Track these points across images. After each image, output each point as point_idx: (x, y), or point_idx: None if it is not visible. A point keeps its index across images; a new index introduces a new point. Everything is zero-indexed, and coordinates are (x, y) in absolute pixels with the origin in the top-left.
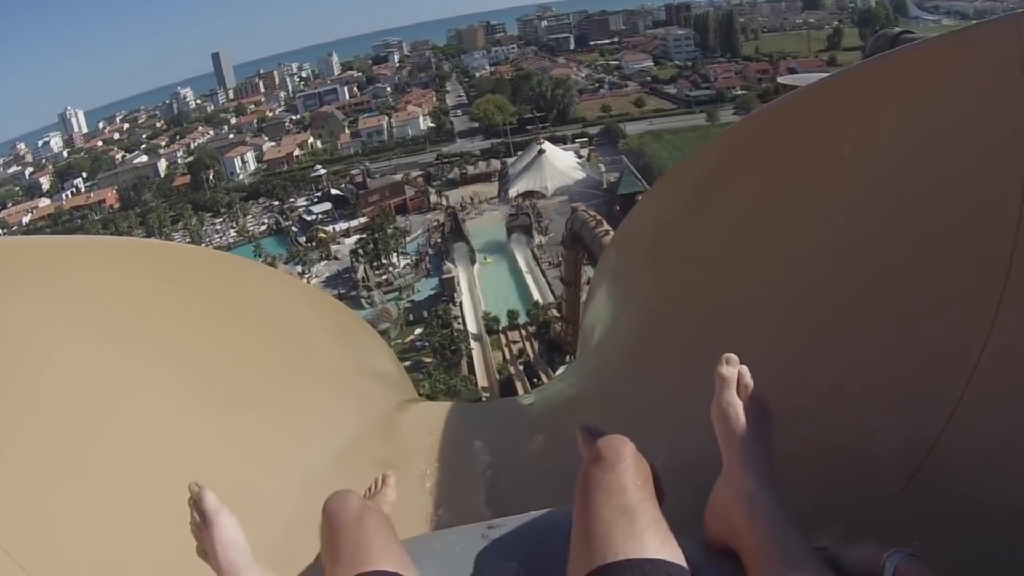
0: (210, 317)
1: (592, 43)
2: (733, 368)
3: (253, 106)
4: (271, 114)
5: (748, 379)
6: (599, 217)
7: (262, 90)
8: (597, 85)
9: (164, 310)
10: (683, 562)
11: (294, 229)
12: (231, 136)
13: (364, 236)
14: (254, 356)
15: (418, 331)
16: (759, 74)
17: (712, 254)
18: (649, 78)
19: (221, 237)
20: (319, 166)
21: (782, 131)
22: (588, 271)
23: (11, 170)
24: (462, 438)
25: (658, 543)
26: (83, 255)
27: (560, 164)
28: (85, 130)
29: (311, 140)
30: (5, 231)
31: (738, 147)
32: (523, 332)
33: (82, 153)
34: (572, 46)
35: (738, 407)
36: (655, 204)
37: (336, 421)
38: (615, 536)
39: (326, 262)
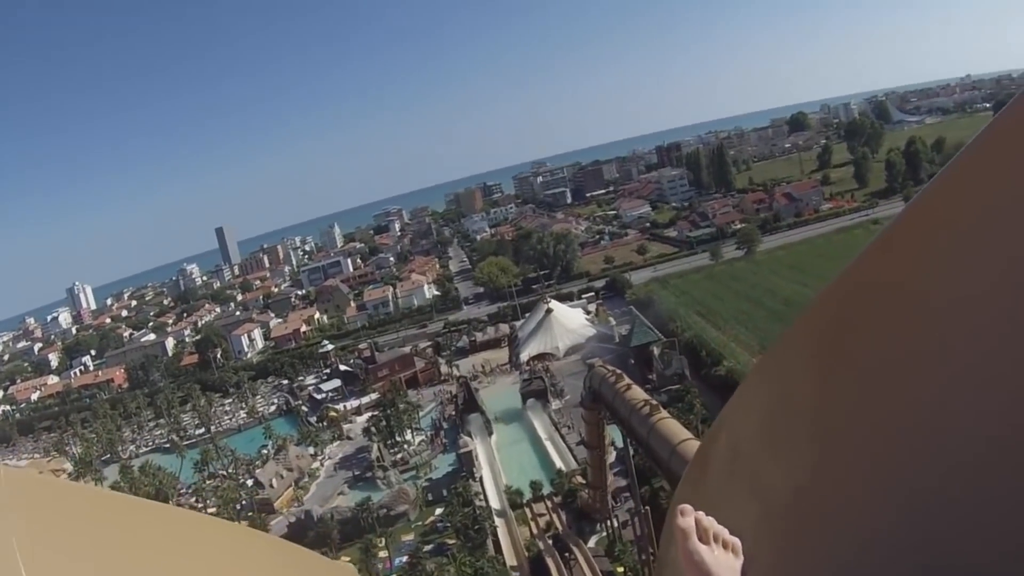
0: None
1: (588, 195)
2: (689, 518)
3: (258, 282)
4: (276, 290)
5: (706, 523)
6: (618, 372)
7: (267, 265)
8: (598, 237)
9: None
10: None
11: (304, 408)
12: (238, 313)
13: (376, 413)
14: None
15: (439, 511)
16: (756, 204)
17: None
18: (648, 223)
19: (231, 419)
20: (327, 342)
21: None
22: (611, 431)
23: (20, 344)
24: None
25: None
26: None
27: (569, 322)
28: (93, 306)
29: (317, 315)
30: (14, 407)
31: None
32: (549, 503)
33: (90, 330)
34: (569, 200)
35: (703, 552)
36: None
37: None
38: None
39: (339, 442)
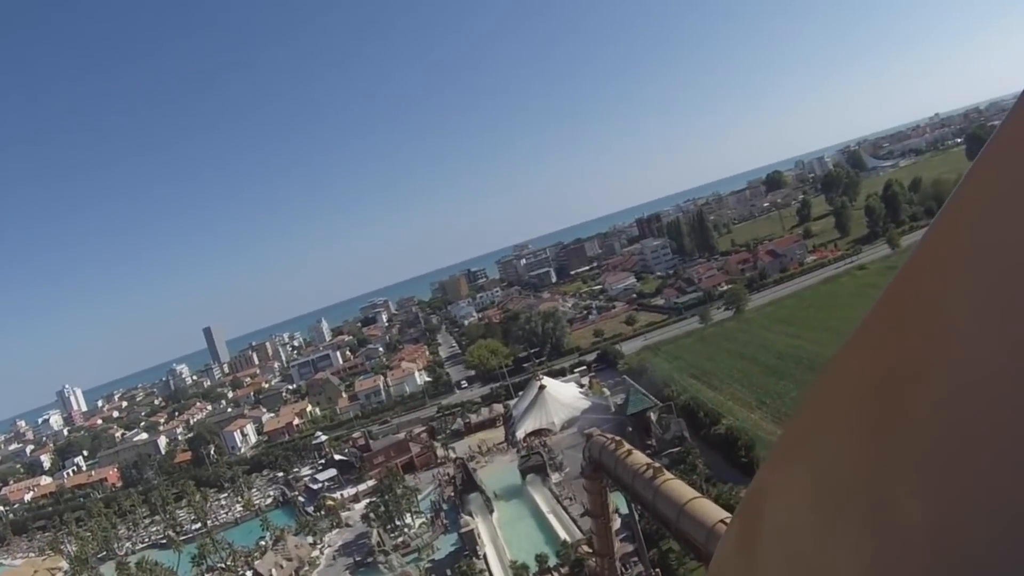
0: None
1: (573, 272)
2: None
3: (249, 379)
4: (267, 385)
5: None
6: (617, 439)
7: (256, 362)
8: (585, 312)
9: None
10: None
11: (301, 499)
12: (229, 410)
13: (374, 499)
14: None
15: None
16: (741, 264)
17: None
18: (635, 294)
19: (227, 512)
20: (320, 433)
21: None
22: (614, 499)
23: (12, 447)
24: None
25: None
26: None
27: (563, 397)
28: (84, 408)
29: (309, 408)
30: (7, 508)
31: None
32: (556, 574)
33: (82, 431)
34: (554, 279)
35: None
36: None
37: None
38: None
39: (338, 530)
